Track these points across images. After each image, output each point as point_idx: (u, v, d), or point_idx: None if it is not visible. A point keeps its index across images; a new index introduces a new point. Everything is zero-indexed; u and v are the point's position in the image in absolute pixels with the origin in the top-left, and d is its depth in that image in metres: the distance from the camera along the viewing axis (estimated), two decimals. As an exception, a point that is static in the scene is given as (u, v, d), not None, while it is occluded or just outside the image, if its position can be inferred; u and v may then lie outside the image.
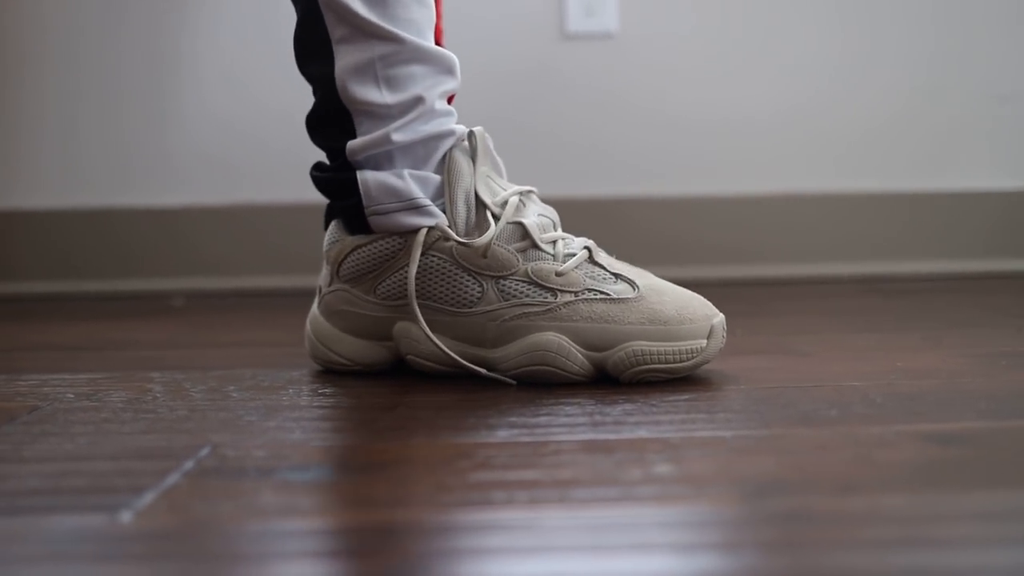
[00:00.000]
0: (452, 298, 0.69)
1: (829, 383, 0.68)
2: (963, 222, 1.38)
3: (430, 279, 0.69)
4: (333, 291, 0.74)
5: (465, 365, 0.68)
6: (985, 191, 1.39)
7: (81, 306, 1.27)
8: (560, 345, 0.67)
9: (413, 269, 0.68)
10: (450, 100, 0.74)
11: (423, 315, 0.69)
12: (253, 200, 1.39)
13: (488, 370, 0.69)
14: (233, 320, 1.13)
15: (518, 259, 0.69)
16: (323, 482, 0.48)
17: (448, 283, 0.69)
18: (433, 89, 0.70)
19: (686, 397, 0.64)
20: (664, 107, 1.39)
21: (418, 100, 0.70)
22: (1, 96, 1.39)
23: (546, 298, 0.68)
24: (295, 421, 0.60)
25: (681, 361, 0.67)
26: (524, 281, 0.68)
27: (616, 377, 0.67)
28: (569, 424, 0.58)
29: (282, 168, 1.38)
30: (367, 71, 0.69)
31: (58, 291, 1.37)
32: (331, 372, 0.75)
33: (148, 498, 0.46)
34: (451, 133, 0.71)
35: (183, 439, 0.56)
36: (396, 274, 0.71)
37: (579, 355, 0.67)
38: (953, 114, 1.40)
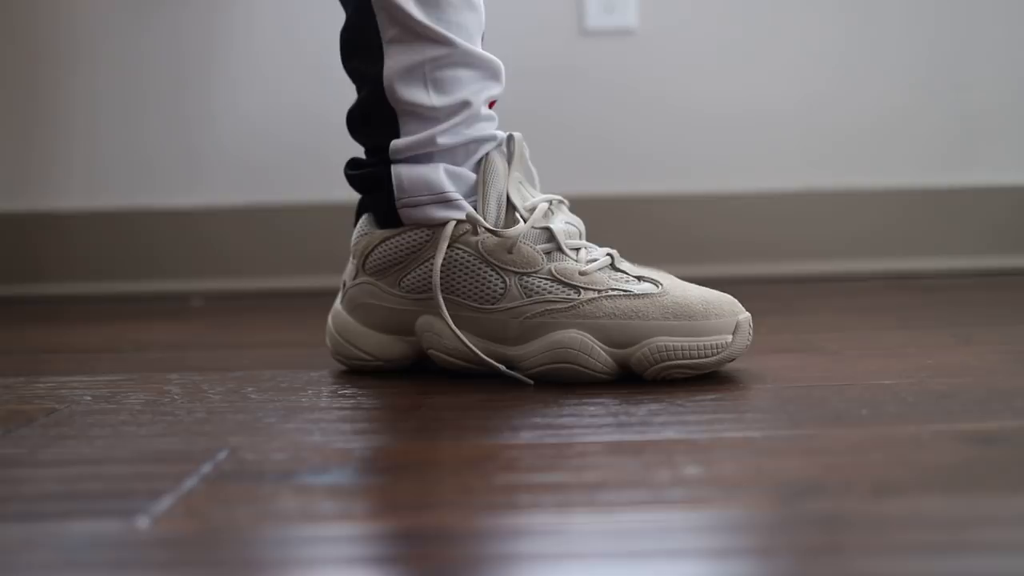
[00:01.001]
0: (476, 293, 0.69)
1: (859, 382, 0.66)
2: (990, 217, 1.36)
3: (455, 273, 0.69)
4: (358, 284, 0.74)
5: (487, 361, 0.67)
6: (1014, 185, 1.36)
7: (102, 307, 1.27)
8: (583, 342, 0.66)
9: (439, 260, 0.68)
10: (491, 105, 0.73)
11: (447, 310, 0.68)
12: (273, 200, 1.38)
13: (509, 368, 0.68)
14: (252, 321, 1.13)
15: (543, 258, 0.68)
16: (344, 486, 0.47)
17: (473, 278, 0.69)
18: (479, 94, 0.71)
19: (712, 396, 0.62)
20: (685, 103, 1.37)
21: (465, 104, 0.70)
22: (22, 99, 1.39)
23: (569, 295, 0.67)
24: (314, 423, 0.59)
25: (706, 356, 0.66)
26: (548, 279, 0.68)
27: (640, 374, 0.66)
28: (594, 425, 0.56)
29: (303, 168, 1.38)
30: (416, 73, 0.69)
31: (79, 292, 1.37)
32: (351, 373, 0.74)
33: (166, 503, 0.45)
34: (492, 138, 0.71)
35: (201, 442, 0.55)
36: (422, 267, 0.70)
37: (602, 353, 0.66)
38: (983, 106, 1.37)
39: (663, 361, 0.65)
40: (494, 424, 0.58)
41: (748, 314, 0.68)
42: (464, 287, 0.69)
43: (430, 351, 0.71)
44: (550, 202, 0.72)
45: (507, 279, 0.68)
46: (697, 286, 0.69)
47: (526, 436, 0.54)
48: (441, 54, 0.69)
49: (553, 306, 0.67)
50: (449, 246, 0.69)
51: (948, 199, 1.36)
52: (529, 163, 0.74)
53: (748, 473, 0.47)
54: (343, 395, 0.67)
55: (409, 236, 0.71)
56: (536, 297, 0.67)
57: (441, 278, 0.69)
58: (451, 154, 0.70)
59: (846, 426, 0.55)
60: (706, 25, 1.36)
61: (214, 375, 0.75)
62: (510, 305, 0.68)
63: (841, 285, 1.28)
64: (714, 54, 1.37)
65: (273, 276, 1.37)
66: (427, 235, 0.70)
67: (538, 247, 0.69)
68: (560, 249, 0.69)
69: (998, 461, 0.48)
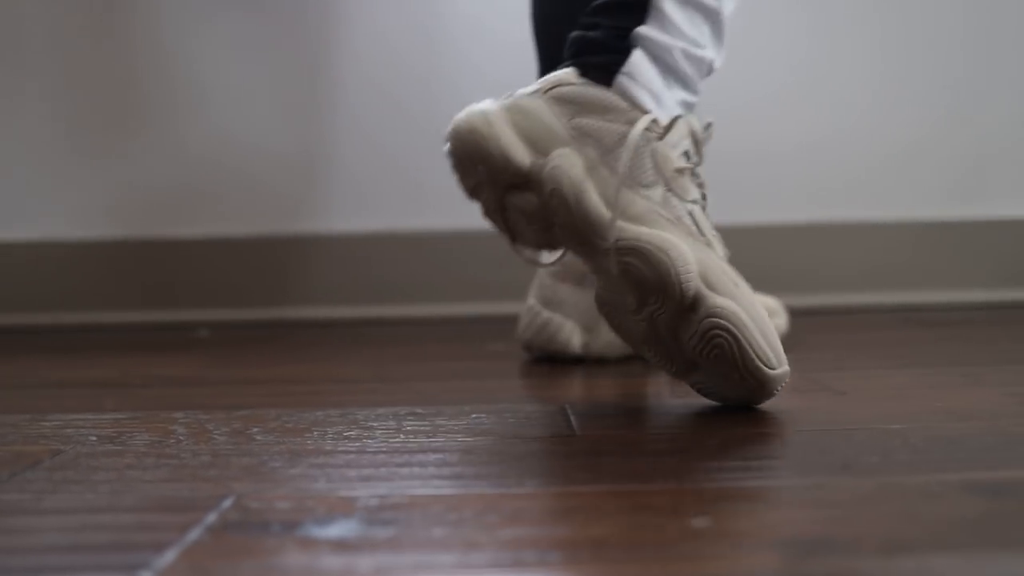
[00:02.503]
0: (638, 177, 0.71)
1: (867, 426, 0.65)
2: (1000, 250, 1.36)
3: (640, 157, 0.71)
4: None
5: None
6: (1019, 218, 1.36)
7: (110, 337, 1.27)
8: (687, 256, 0.68)
9: (634, 134, 0.71)
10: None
11: (596, 163, 0.71)
12: (280, 231, 1.38)
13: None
14: (258, 354, 1.12)
15: (694, 191, 0.75)
16: (348, 538, 0.46)
17: (643, 167, 0.71)
18: (715, 50, 0.77)
19: (718, 441, 0.62)
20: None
21: (706, 43, 0.76)
22: (23, 127, 1.40)
23: (689, 225, 0.71)
24: (320, 468, 0.59)
25: (749, 356, 0.66)
26: (684, 205, 0.72)
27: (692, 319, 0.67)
28: (600, 472, 0.56)
29: (310, 198, 1.38)
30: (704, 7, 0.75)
31: (87, 322, 1.37)
32: (354, 415, 0.74)
33: (169, 556, 0.44)
34: (696, 92, 0.77)
35: (206, 488, 0.55)
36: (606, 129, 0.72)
37: (695, 280, 0.67)
38: (992, 139, 1.37)
39: (722, 319, 0.66)
40: (499, 470, 0.58)
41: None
42: (634, 165, 0.71)
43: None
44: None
45: (654, 179, 0.71)
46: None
47: (531, 484, 0.54)
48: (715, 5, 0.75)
49: (670, 218, 0.71)
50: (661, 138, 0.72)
51: (957, 232, 1.36)
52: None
53: (755, 527, 0.47)
54: (348, 437, 0.66)
55: (608, 97, 0.72)
56: (667, 208, 0.70)
57: (619, 153, 0.71)
58: (674, 74, 0.74)
59: (854, 475, 0.54)
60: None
61: (220, 414, 0.75)
62: (651, 194, 0.71)
63: (849, 318, 1.27)
64: (718, 90, 1.36)
65: (279, 307, 1.37)
66: (624, 107, 0.72)
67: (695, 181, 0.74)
68: (699, 201, 0.73)
69: (1008, 515, 0.48)
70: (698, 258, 0.67)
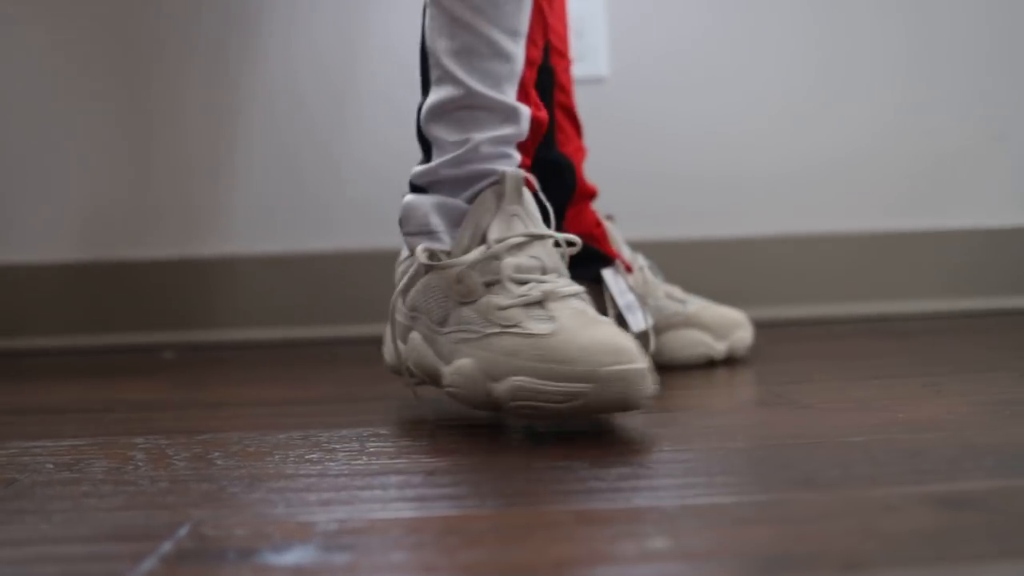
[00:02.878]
0: (434, 316, 0.75)
1: (830, 439, 0.66)
2: (962, 259, 1.37)
3: (428, 296, 0.76)
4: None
5: (403, 367, 0.79)
6: (983, 228, 1.37)
7: (73, 361, 1.25)
8: (471, 373, 0.70)
9: (401, 282, 0.77)
10: (529, 148, 0.82)
11: (419, 328, 0.76)
12: (244, 251, 1.37)
13: (437, 384, 0.75)
14: (223, 376, 1.11)
15: (481, 289, 0.72)
16: (304, 565, 0.46)
17: (435, 302, 0.75)
18: (486, 132, 0.76)
19: (684, 458, 0.62)
20: (657, 151, 1.38)
21: (466, 140, 0.76)
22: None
23: (481, 328, 0.71)
24: (279, 493, 0.58)
25: (558, 402, 0.66)
26: (475, 310, 0.72)
27: (503, 407, 0.69)
28: (562, 491, 0.56)
29: (275, 217, 1.37)
30: (440, 109, 0.77)
31: (51, 346, 1.35)
32: (317, 437, 0.73)
33: (121, 588, 0.43)
34: (491, 173, 0.76)
35: (163, 516, 0.54)
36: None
37: (483, 384, 0.69)
38: (954, 149, 1.39)
39: (516, 400, 0.67)
40: (460, 492, 0.57)
41: (637, 367, 0.66)
42: (428, 309, 0.76)
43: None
44: (535, 237, 0.74)
45: (450, 306, 0.74)
46: (615, 331, 0.68)
47: (492, 505, 0.54)
48: (459, 94, 0.76)
49: (467, 335, 0.71)
50: (429, 271, 0.75)
51: (918, 242, 1.37)
52: (538, 199, 0.79)
53: (716, 545, 0.47)
54: (309, 460, 0.66)
55: (411, 261, 0.78)
56: (463, 326, 0.72)
57: (418, 300, 0.76)
58: (451, 185, 0.77)
59: (816, 490, 0.54)
60: (677, 74, 1.37)
61: (181, 438, 0.74)
62: (448, 330, 0.73)
63: (816, 329, 1.28)
64: (684, 103, 1.37)
65: (245, 328, 1.36)
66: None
67: (484, 279, 0.72)
68: (501, 282, 0.72)
69: (968, 529, 0.48)
70: (484, 367, 0.70)
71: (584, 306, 0.71)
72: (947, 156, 1.39)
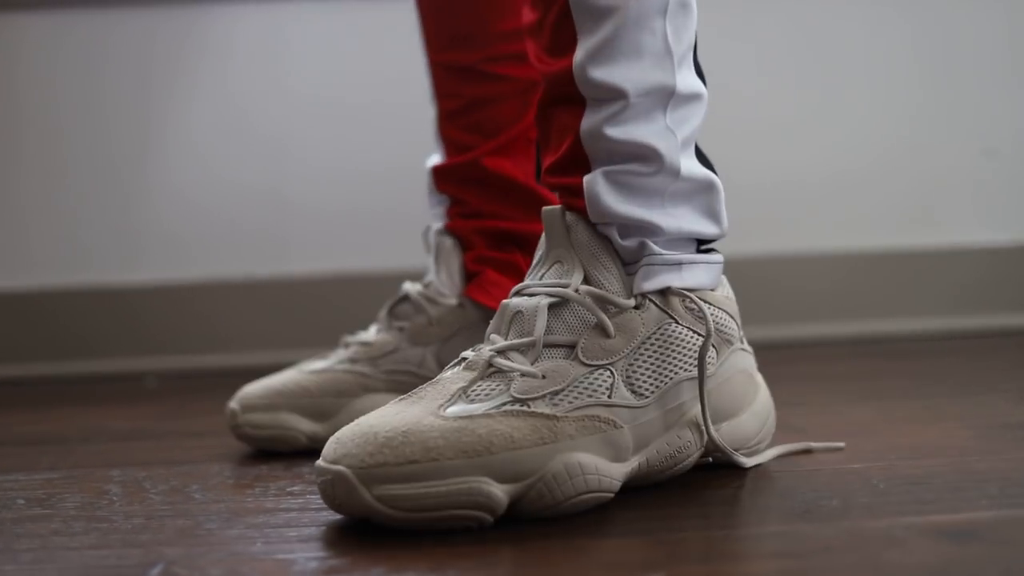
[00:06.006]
0: None
1: (829, 467, 0.64)
2: (958, 277, 1.35)
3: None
4: None
5: None
6: (979, 246, 1.36)
7: (51, 390, 1.23)
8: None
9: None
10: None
11: None
12: (230, 275, 1.35)
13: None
14: (205, 403, 1.09)
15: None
16: (281, 608, 0.44)
17: None
18: None
19: (679, 486, 0.60)
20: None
21: None
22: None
23: None
24: (258, 528, 0.56)
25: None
26: None
27: None
28: (552, 524, 0.53)
29: (256, 243, 1.35)
30: None
31: (34, 374, 1.32)
32: (299, 468, 0.70)
33: (86, 635, 0.41)
34: None
35: (135, 555, 0.52)
36: None
37: None
38: (948, 167, 1.37)
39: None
40: (443, 532, 0.55)
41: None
42: None
43: None
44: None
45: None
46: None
47: (481, 540, 0.51)
48: None
49: None
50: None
51: (914, 261, 1.36)
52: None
53: (712, 582, 0.45)
54: (291, 493, 0.63)
55: None
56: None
57: None
58: None
59: (816, 521, 0.52)
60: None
61: (159, 470, 0.72)
62: None
63: (811, 350, 1.26)
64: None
65: (232, 353, 1.34)
66: None
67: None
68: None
69: (972, 561, 0.46)
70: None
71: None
72: (943, 174, 1.37)
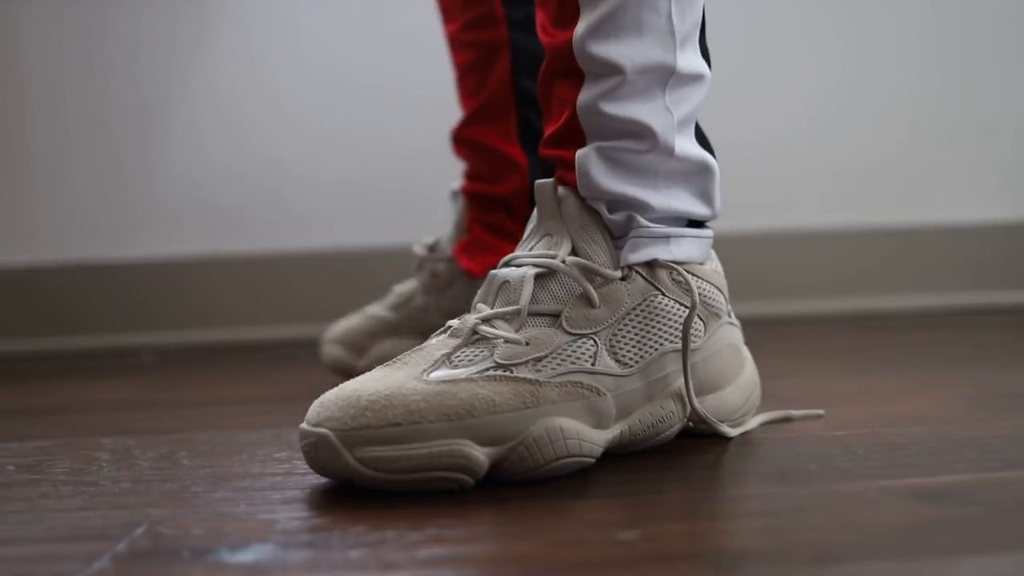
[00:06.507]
0: None
1: (810, 434, 0.64)
2: (950, 255, 1.36)
3: None
4: None
5: None
6: (971, 224, 1.36)
7: (48, 365, 1.23)
8: None
9: None
10: None
11: None
12: (228, 250, 1.36)
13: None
14: (202, 376, 1.10)
15: None
16: (260, 563, 0.44)
17: None
18: None
19: (660, 452, 0.60)
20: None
21: None
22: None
23: None
24: (242, 491, 0.56)
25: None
26: None
27: None
28: (530, 487, 0.54)
29: (261, 216, 1.36)
30: None
31: (32, 350, 1.33)
32: (289, 436, 0.71)
33: (67, 588, 0.42)
34: None
35: (120, 516, 0.52)
36: None
37: None
38: (939, 147, 1.37)
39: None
40: (425, 494, 0.56)
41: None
42: None
43: None
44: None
45: None
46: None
47: (460, 502, 0.52)
48: None
49: None
50: None
51: (908, 238, 1.36)
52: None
53: (685, 540, 0.45)
54: (277, 459, 0.64)
55: None
56: None
57: None
58: None
59: (792, 484, 0.53)
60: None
61: (149, 438, 0.72)
62: None
63: (804, 327, 1.26)
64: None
65: (229, 328, 1.35)
66: None
67: None
68: None
69: (946, 521, 0.46)
70: None
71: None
72: (936, 150, 1.37)
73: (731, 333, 0.65)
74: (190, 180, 1.36)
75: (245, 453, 0.66)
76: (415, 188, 1.31)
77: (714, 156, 0.64)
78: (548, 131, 0.63)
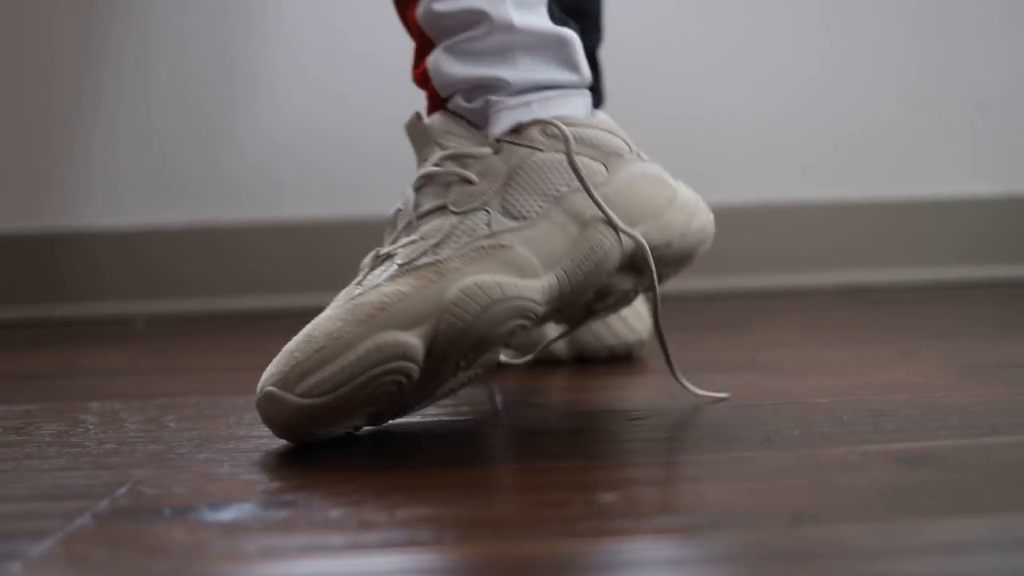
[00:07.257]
0: None
1: (796, 401, 0.64)
2: (941, 229, 1.35)
3: None
4: None
5: None
6: (962, 198, 1.36)
7: (39, 332, 1.23)
8: None
9: None
10: None
11: None
12: (220, 219, 1.35)
13: None
14: (194, 344, 1.10)
15: None
16: (240, 521, 0.45)
17: None
18: None
19: (639, 418, 0.60)
20: (634, 107, 1.35)
21: None
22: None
23: None
24: (227, 453, 0.56)
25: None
26: None
27: None
28: (512, 451, 0.54)
29: (253, 186, 1.35)
30: None
31: (21, 316, 1.33)
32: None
33: (47, 544, 0.42)
34: None
35: (104, 476, 0.53)
36: None
37: None
38: (930, 121, 1.37)
39: None
40: (413, 452, 0.56)
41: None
42: None
43: None
44: None
45: None
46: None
47: (442, 464, 0.52)
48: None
49: None
50: None
51: (898, 212, 1.36)
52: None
53: (663, 501, 0.45)
54: (264, 423, 0.64)
55: None
56: None
57: None
58: None
59: (774, 449, 0.53)
60: (662, 29, 1.35)
61: (137, 402, 0.72)
62: None
63: (794, 300, 1.26)
64: (669, 59, 1.35)
65: (221, 297, 1.34)
66: None
67: None
68: None
69: (924, 484, 0.47)
70: None
71: None
72: (926, 124, 1.37)
73: (644, 167, 0.64)
74: (188, 146, 1.36)
75: (232, 416, 0.66)
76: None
77: (576, 32, 0.64)
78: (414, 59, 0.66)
